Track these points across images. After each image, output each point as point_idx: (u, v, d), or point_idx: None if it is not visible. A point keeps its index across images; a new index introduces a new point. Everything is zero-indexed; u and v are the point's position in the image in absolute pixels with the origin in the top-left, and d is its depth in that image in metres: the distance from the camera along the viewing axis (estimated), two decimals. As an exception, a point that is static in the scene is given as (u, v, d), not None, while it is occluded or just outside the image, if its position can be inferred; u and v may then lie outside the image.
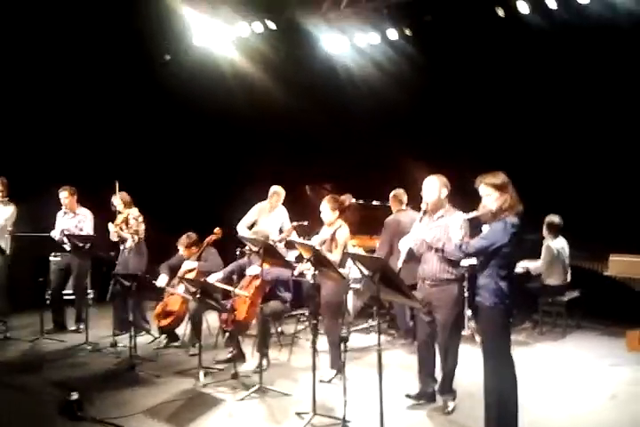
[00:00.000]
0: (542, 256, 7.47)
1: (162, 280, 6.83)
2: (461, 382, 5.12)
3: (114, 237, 7.45)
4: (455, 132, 8.91)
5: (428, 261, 4.95)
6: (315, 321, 5.28)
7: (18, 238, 7.55)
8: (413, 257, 5.09)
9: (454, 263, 4.85)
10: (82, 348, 6.90)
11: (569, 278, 7.59)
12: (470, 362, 5.10)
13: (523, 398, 4.16)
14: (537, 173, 8.09)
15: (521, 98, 8.48)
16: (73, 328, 7.77)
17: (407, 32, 8.80)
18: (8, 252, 7.49)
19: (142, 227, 7.49)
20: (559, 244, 7.50)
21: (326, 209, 5.92)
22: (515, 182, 4.22)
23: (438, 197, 4.97)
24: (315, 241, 5.94)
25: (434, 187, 4.98)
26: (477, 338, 6.00)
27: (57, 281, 7.77)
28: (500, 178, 4.18)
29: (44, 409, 4.99)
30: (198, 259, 6.98)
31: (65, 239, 7.23)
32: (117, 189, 7.41)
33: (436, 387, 5.10)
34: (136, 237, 7.40)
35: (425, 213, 5.02)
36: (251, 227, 7.76)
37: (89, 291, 8.05)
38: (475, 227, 4.54)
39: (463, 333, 7.12)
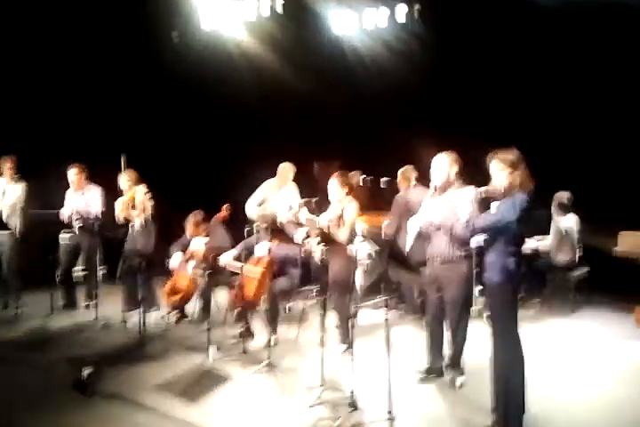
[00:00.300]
0: (551, 235, 7.45)
1: (175, 261, 6.85)
2: (470, 358, 5.13)
3: (120, 218, 7.44)
4: (466, 110, 8.83)
5: (437, 240, 4.94)
6: (323, 298, 5.30)
7: (28, 216, 7.58)
8: (422, 236, 5.08)
9: (463, 242, 4.83)
10: (92, 325, 6.96)
11: (578, 255, 7.57)
12: (479, 338, 5.11)
13: (531, 373, 4.17)
14: (549, 149, 8.03)
15: (531, 76, 8.39)
16: (83, 305, 7.84)
17: (416, 9, 8.70)
18: (19, 229, 7.52)
19: (150, 204, 7.49)
20: (568, 222, 7.46)
21: (335, 186, 5.89)
22: (526, 158, 4.16)
23: (448, 175, 4.93)
24: (323, 218, 5.92)
25: (443, 164, 4.95)
26: (485, 314, 6.01)
27: (67, 259, 7.82)
28: (513, 155, 4.11)
29: (56, 385, 5.04)
30: (207, 236, 7.00)
31: (74, 218, 7.27)
32: (125, 164, 7.38)
33: (445, 363, 5.12)
34: (144, 216, 7.41)
35: (435, 191, 4.99)
36: (260, 204, 7.75)
37: (99, 268, 8.09)
38: (485, 204, 4.50)
39: (472, 309, 7.20)
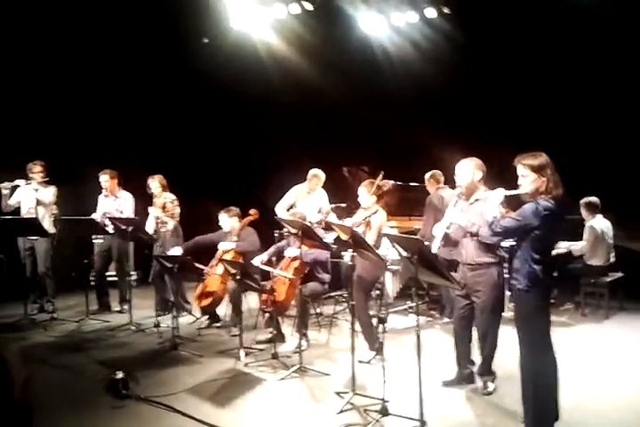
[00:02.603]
0: (585, 236, 7.35)
1: (175, 251, 6.88)
2: (502, 364, 5.09)
3: (151, 226, 7.52)
4: (494, 112, 8.77)
5: (465, 245, 4.90)
6: (353, 302, 5.30)
7: (61, 220, 7.70)
8: (449, 241, 5.05)
9: (492, 247, 4.78)
10: (126, 328, 7.05)
11: (612, 259, 7.46)
12: (511, 344, 5.05)
13: (564, 379, 4.11)
14: (579, 152, 7.94)
15: (563, 76, 8.30)
16: (117, 309, 7.95)
17: (445, 10, 8.67)
18: (52, 231, 7.64)
19: (177, 210, 7.59)
20: (602, 223, 7.36)
21: (364, 193, 5.90)
22: (556, 162, 4.07)
23: (472, 180, 4.89)
24: (348, 222, 5.95)
25: (467, 170, 4.91)
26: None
27: (100, 263, 7.94)
28: (539, 159, 3.98)
29: (90, 388, 5.12)
30: (236, 239, 7.03)
31: (107, 222, 7.38)
32: None
33: (475, 369, 5.08)
34: (173, 221, 7.51)
35: (459, 196, 4.97)
36: (289, 209, 7.79)
37: (132, 272, 8.20)
38: (517, 206, 4.42)
39: (504, 314, 7.13)
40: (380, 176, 5.85)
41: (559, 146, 7.13)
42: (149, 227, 7.50)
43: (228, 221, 6.98)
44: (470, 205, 4.90)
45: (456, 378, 5.12)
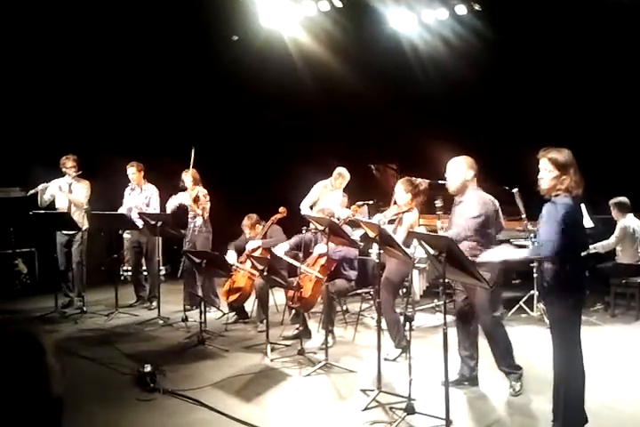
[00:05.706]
0: (615, 234, 7.23)
1: (231, 257, 6.96)
2: (532, 364, 5.06)
3: (170, 208, 7.63)
4: (525, 110, 8.66)
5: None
6: (379, 300, 5.30)
7: (91, 215, 7.78)
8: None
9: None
10: (154, 322, 7.12)
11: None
12: (541, 344, 5.01)
13: (592, 380, 4.05)
14: (610, 150, 7.83)
15: (596, 74, 8.17)
16: (145, 305, 8.01)
17: (476, 7, 8.59)
18: (84, 228, 7.75)
19: (208, 205, 7.64)
20: (634, 222, 7.26)
21: (400, 191, 5.89)
22: (585, 161, 3.97)
23: (464, 179, 4.82)
24: (376, 219, 5.95)
25: (459, 168, 4.85)
26: (546, 320, 5.89)
27: (134, 258, 8.04)
28: (565, 155, 3.83)
29: (118, 380, 5.20)
30: (264, 237, 7.08)
31: (135, 216, 7.47)
32: (193, 158, 7.47)
33: (503, 369, 5.01)
34: (206, 215, 7.58)
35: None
36: (312, 206, 7.80)
37: (161, 267, 8.27)
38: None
39: (533, 314, 7.08)
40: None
41: (589, 144, 7.06)
42: (168, 208, 7.68)
43: (251, 231, 7.14)
44: (456, 207, 4.87)
45: (458, 379, 4.97)
